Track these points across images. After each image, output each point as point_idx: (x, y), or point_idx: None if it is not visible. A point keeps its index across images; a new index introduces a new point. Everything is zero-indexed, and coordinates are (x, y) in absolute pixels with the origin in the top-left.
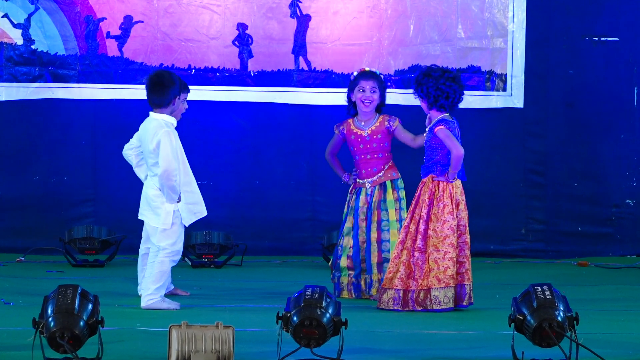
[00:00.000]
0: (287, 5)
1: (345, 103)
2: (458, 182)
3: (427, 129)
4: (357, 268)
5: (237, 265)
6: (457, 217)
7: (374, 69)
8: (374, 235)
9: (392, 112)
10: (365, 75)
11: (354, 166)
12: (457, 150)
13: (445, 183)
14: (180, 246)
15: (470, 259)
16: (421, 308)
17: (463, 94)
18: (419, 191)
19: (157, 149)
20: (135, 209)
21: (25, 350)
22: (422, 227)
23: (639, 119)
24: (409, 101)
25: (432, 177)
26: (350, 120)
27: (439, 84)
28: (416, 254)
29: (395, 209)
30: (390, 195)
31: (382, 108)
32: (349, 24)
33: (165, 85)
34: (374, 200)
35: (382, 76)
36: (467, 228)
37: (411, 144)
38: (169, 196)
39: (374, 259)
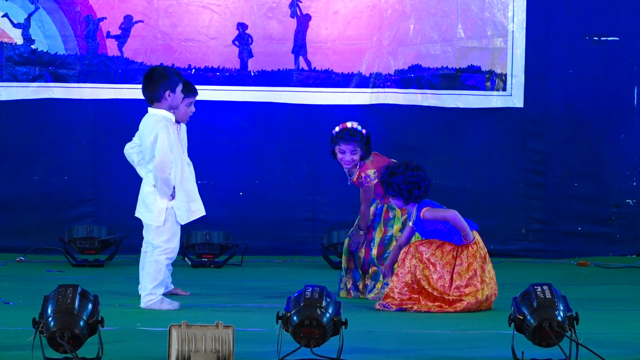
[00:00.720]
0: (287, 5)
1: (345, 103)
2: (477, 236)
3: (410, 223)
4: (357, 272)
5: (237, 265)
6: (485, 269)
7: (355, 125)
8: (376, 249)
9: (392, 112)
10: (345, 137)
11: None
12: (451, 214)
13: (466, 245)
14: (175, 244)
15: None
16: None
17: (430, 179)
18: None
19: (154, 142)
20: (135, 209)
21: (25, 350)
22: (440, 283)
23: (638, 119)
24: (409, 101)
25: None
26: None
27: (407, 178)
28: (428, 302)
29: (402, 223)
30: (398, 212)
31: (368, 156)
32: (349, 23)
33: (154, 79)
34: (382, 217)
35: (363, 131)
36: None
37: (361, 199)
38: (162, 189)
39: (382, 269)
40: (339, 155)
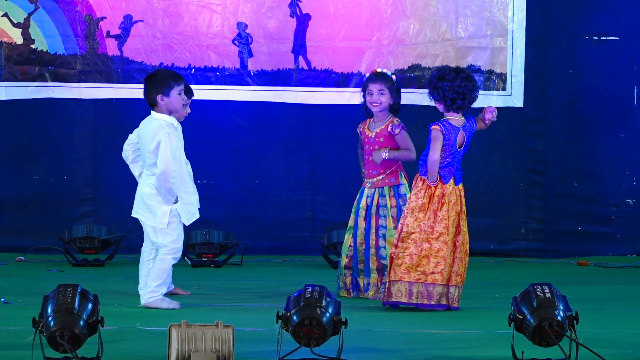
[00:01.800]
0: (287, 4)
1: (344, 102)
2: (447, 187)
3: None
4: (356, 269)
5: (236, 265)
6: (445, 217)
7: (385, 70)
8: (372, 239)
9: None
10: (372, 78)
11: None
12: (432, 155)
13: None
14: (180, 244)
15: (462, 261)
16: (416, 302)
17: (478, 90)
18: (413, 185)
19: (156, 149)
20: None
21: (25, 350)
22: (414, 222)
23: (638, 119)
24: (409, 101)
25: (418, 175)
26: (368, 120)
27: (454, 86)
28: (411, 247)
29: (393, 217)
30: (388, 202)
31: (398, 109)
32: (348, 23)
33: (149, 83)
34: (373, 204)
35: (393, 77)
36: (462, 229)
37: (404, 150)
38: (165, 198)
39: (373, 264)
40: (367, 98)
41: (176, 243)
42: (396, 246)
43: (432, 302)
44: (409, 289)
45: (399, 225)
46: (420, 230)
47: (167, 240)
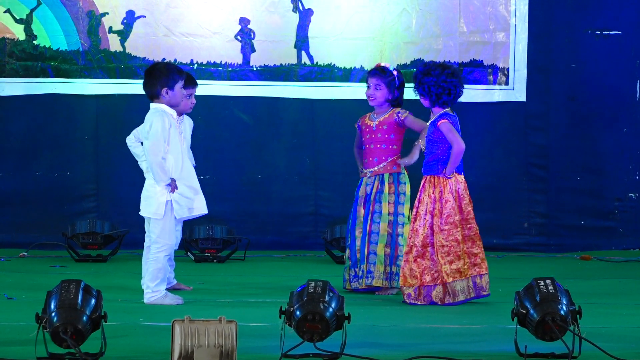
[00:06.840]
0: None
1: (347, 97)
2: (461, 177)
3: (428, 123)
4: (353, 257)
5: (239, 260)
6: (463, 211)
7: (385, 64)
8: (368, 226)
9: None
10: (371, 72)
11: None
12: (459, 145)
13: (445, 179)
14: (172, 239)
15: (483, 250)
16: (440, 302)
17: (463, 87)
18: (421, 188)
19: (149, 130)
20: (138, 204)
21: (29, 346)
22: (428, 223)
23: None
24: (412, 95)
25: (433, 176)
26: (368, 114)
27: (440, 82)
28: (428, 249)
29: (389, 203)
30: (386, 189)
31: (398, 103)
32: (351, 18)
33: (153, 76)
34: (373, 191)
35: (394, 72)
36: (475, 220)
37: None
38: (157, 174)
39: (366, 250)
40: (366, 92)
41: (165, 237)
42: (436, 248)
43: (483, 293)
44: (469, 284)
45: (427, 228)
46: (462, 228)
47: (159, 233)
